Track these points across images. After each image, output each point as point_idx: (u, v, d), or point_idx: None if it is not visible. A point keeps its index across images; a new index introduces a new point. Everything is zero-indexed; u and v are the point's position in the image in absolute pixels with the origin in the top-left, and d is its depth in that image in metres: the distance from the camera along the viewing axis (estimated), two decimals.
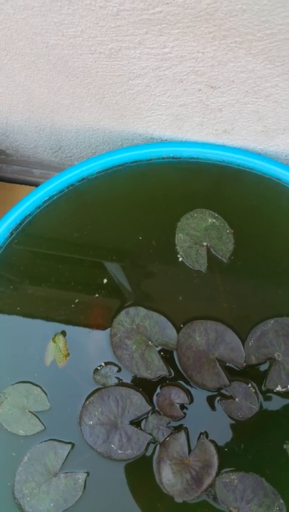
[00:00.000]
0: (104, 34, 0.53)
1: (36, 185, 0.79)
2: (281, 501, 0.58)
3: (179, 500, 0.59)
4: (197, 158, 0.71)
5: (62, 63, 0.59)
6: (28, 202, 0.69)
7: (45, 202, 0.70)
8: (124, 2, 0.47)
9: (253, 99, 0.59)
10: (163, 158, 0.71)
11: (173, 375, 0.63)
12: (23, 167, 0.91)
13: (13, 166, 0.91)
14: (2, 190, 0.92)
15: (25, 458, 0.61)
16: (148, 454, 0.61)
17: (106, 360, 0.64)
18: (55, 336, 0.65)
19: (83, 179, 0.71)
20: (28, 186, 0.93)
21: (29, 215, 0.69)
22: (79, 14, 0.50)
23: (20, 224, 0.69)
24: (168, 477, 0.60)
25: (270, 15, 0.45)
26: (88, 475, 0.60)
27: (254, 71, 0.54)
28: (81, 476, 0.61)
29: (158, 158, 0.71)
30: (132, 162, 0.71)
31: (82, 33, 0.53)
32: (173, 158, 0.71)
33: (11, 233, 0.68)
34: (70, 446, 0.61)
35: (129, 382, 0.63)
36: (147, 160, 0.71)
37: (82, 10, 0.49)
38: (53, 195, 0.70)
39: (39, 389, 0.64)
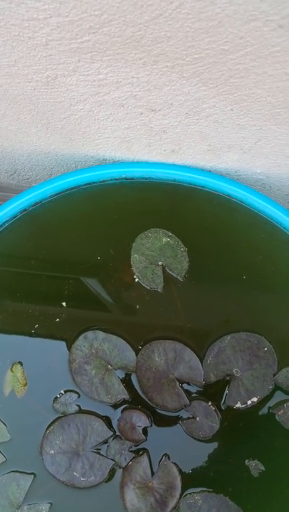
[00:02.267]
0: (38, 63, 0.53)
1: None
2: None
3: None
4: (149, 178, 0.71)
5: (1, 92, 0.59)
6: None
7: None
8: (51, 33, 0.47)
9: (194, 120, 0.59)
10: (116, 179, 0.71)
11: (133, 397, 0.63)
12: None
13: None
14: None
15: None
16: (111, 479, 0.60)
17: (65, 388, 0.64)
18: (13, 365, 0.65)
19: (36, 203, 0.70)
20: None
21: None
22: (9, 45, 0.50)
23: None
24: (132, 502, 0.59)
25: (194, 40, 0.45)
26: (52, 505, 0.60)
27: (190, 93, 0.54)
28: (45, 507, 0.60)
29: (111, 179, 0.71)
30: (86, 184, 0.71)
31: (16, 62, 0.53)
32: (126, 178, 0.71)
33: None
34: (32, 476, 0.60)
35: (89, 408, 0.63)
36: (101, 181, 0.71)
37: (12, 41, 0.49)
38: (6, 222, 0.69)
39: None
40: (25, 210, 0.70)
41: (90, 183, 0.71)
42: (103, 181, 0.71)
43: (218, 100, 0.54)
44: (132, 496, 0.60)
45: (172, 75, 0.51)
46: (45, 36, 0.48)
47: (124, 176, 0.71)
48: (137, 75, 0.52)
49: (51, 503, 0.60)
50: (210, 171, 0.70)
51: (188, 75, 0.51)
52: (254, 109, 0.55)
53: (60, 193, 0.71)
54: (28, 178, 0.84)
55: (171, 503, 0.59)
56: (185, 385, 0.63)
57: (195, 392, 0.63)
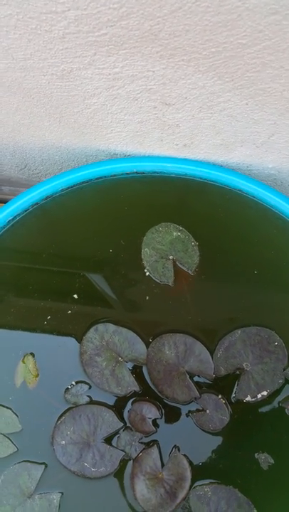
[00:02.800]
0: (54, 56, 0.53)
1: (6, 201, 0.79)
2: (255, 511, 0.59)
3: None
4: (160, 172, 0.71)
5: (16, 85, 0.59)
6: None
7: (9, 222, 0.70)
8: (69, 25, 0.47)
9: (208, 114, 0.59)
10: (127, 173, 0.72)
11: (144, 390, 0.63)
12: None
13: None
14: None
15: None
16: (122, 470, 0.61)
17: (76, 379, 0.64)
18: (25, 356, 0.65)
19: (48, 197, 0.71)
20: None
21: None
22: (26, 38, 0.50)
23: None
24: (142, 492, 0.60)
25: (212, 34, 0.46)
26: (63, 495, 0.60)
27: (205, 87, 0.54)
28: (56, 497, 0.60)
29: (122, 174, 0.72)
30: (97, 178, 0.72)
31: (32, 55, 0.53)
32: (137, 173, 0.72)
33: None
34: (43, 466, 0.61)
35: (100, 399, 0.63)
36: (112, 176, 0.72)
37: (28, 34, 0.49)
38: (18, 215, 0.70)
39: (10, 411, 0.63)
40: (36, 203, 0.71)
41: (100, 178, 0.72)
42: (114, 176, 0.72)
43: (233, 94, 0.54)
44: (142, 487, 0.60)
45: (188, 68, 0.51)
46: (62, 29, 0.48)
47: (135, 170, 0.71)
48: (152, 69, 0.52)
49: (62, 493, 0.60)
50: (221, 166, 0.71)
51: (204, 68, 0.51)
52: (269, 103, 0.55)
53: (72, 187, 0.71)
54: (38, 173, 0.84)
55: (181, 495, 0.60)
56: (195, 378, 0.64)
57: (205, 385, 0.63)
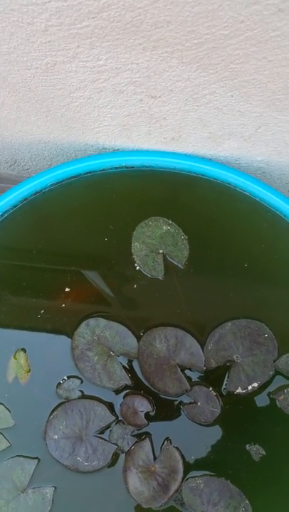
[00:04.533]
0: (37, 50, 0.52)
1: None
2: (246, 502, 0.59)
3: (146, 507, 0.59)
4: (149, 166, 0.71)
5: (1, 80, 0.58)
6: None
7: None
8: (50, 18, 0.47)
9: (194, 106, 0.59)
10: (116, 167, 0.71)
11: (135, 383, 0.64)
12: None
13: None
14: None
15: None
16: (114, 464, 0.61)
17: (68, 374, 0.64)
18: (16, 352, 0.65)
19: (37, 192, 0.71)
20: None
21: None
22: (8, 31, 0.50)
23: None
24: (135, 485, 0.60)
25: (194, 25, 0.45)
26: (56, 489, 0.61)
27: (190, 79, 0.54)
28: (49, 491, 0.61)
29: (111, 168, 0.71)
30: (86, 173, 0.71)
31: (16, 49, 0.53)
32: (126, 167, 0.71)
33: None
34: (36, 461, 0.61)
35: (92, 393, 0.64)
36: (101, 170, 0.71)
37: (10, 27, 0.49)
38: (7, 211, 0.70)
39: (2, 406, 0.64)
40: (25, 199, 0.70)
41: (90, 172, 0.71)
42: (103, 170, 0.71)
43: (218, 86, 0.54)
44: (134, 480, 0.61)
45: (172, 60, 0.51)
46: (44, 22, 0.48)
47: (124, 164, 0.71)
48: (136, 61, 0.52)
49: (55, 487, 0.61)
50: (210, 160, 0.70)
51: (188, 60, 0.51)
52: (254, 95, 0.55)
53: (61, 182, 0.71)
54: (27, 169, 0.84)
55: (174, 487, 0.60)
56: (186, 371, 0.64)
57: (196, 378, 0.64)
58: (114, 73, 0.55)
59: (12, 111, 0.65)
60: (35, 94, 0.61)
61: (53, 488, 0.61)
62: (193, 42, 0.48)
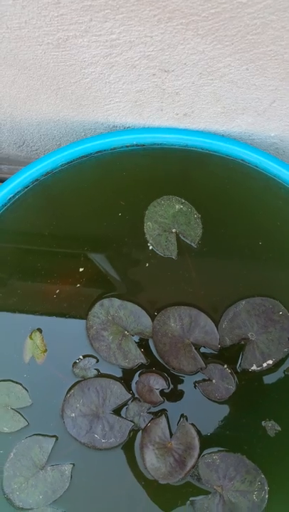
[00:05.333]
0: (49, 24, 0.51)
1: (5, 180, 0.78)
2: (262, 476, 0.60)
3: (163, 483, 0.60)
4: (161, 144, 0.70)
5: (11, 57, 0.57)
6: None
7: (10, 199, 0.69)
8: None
9: (208, 80, 0.58)
10: (127, 146, 0.71)
11: (150, 362, 0.64)
12: None
13: None
14: None
15: (12, 454, 0.62)
16: (131, 441, 0.62)
17: (84, 353, 0.65)
18: (32, 332, 0.66)
19: (48, 173, 0.70)
20: None
21: None
22: (19, 4, 0.49)
23: None
24: (152, 462, 0.61)
25: None
26: (74, 466, 0.62)
27: (204, 52, 0.53)
28: (67, 468, 0.62)
29: (122, 147, 0.71)
30: (96, 152, 0.71)
31: (27, 24, 0.52)
32: (137, 145, 0.70)
33: None
34: (54, 439, 0.62)
35: (108, 372, 0.64)
36: (111, 149, 0.71)
37: (22, 0, 0.48)
38: (18, 192, 0.69)
39: (20, 386, 0.64)
40: (36, 180, 0.70)
41: (100, 151, 0.71)
42: (114, 149, 0.71)
43: (233, 59, 0.53)
44: (151, 457, 0.61)
45: (187, 32, 0.50)
46: None
47: (135, 142, 0.70)
48: (150, 34, 0.51)
49: (73, 464, 0.62)
50: (223, 136, 0.70)
51: (203, 32, 0.49)
52: (270, 67, 0.54)
53: (71, 162, 0.70)
54: (36, 150, 0.83)
55: (190, 463, 0.61)
56: (201, 349, 0.64)
57: (211, 356, 0.64)
58: (127, 47, 0.53)
59: (22, 89, 0.64)
60: (46, 71, 0.60)
61: (71, 466, 0.62)
62: (210, 12, 0.47)
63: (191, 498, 0.60)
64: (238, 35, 0.50)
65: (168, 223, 0.68)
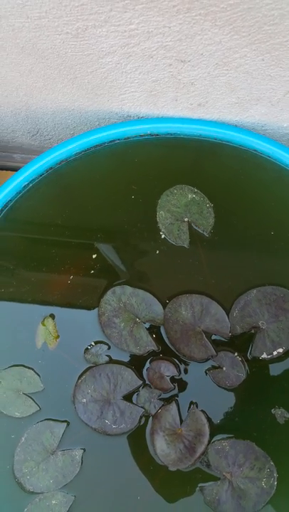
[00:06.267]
0: (69, 14, 0.52)
1: (18, 169, 0.79)
2: (271, 463, 0.61)
3: (173, 469, 0.61)
4: (174, 133, 0.71)
5: (30, 46, 0.58)
6: (8, 188, 0.69)
7: (25, 187, 0.70)
8: None
9: (223, 71, 0.59)
10: (141, 135, 0.71)
11: (161, 349, 0.65)
12: (2, 152, 0.91)
13: None
14: None
15: (23, 439, 0.63)
16: (141, 427, 0.63)
17: (96, 340, 0.66)
18: (44, 319, 0.67)
19: (62, 161, 0.71)
20: (9, 172, 0.93)
21: (10, 200, 0.70)
22: None
23: (1, 210, 0.69)
24: (162, 448, 0.62)
25: None
26: (85, 451, 0.63)
27: (221, 43, 0.53)
28: (78, 453, 0.63)
29: (136, 136, 0.71)
30: (110, 141, 0.72)
31: (47, 13, 0.52)
32: (150, 135, 0.71)
33: None
34: (65, 424, 0.63)
35: (119, 359, 0.65)
36: (125, 138, 0.71)
37: None
38: (33, 180, 0.70)
39: (32, 371, 0.65)
40: (51, 168, 0.71)
41: (114, 141, 0.72)
42: (127, 138, 0.71)
43: (249, 50, 0.54)
44: (161, 443, 0.62)
45: (205, 23, 0.51)
46: None
47: (148, 132, 0.71)
48: (169, 24, 0.52)
49: (84, 449, 0.62)
50: (236, 126, 0.70)
51: (221, 23, 0.50)
52: (286, 58, 0.55)
53: (85, 150, 0.71)
54: (49, 139, 0.84)
55: (200, 449, 0.62)
56: (212, 337, 0.65)
57: (221, 344, 0.65)
58: (145, 37, 0.54)
59: (39, 78, 0.65)
60: (64, 60, 0.61)
61: (82, 451, 0.62)
62: (229, 3, 0.47)
63: (200, 484, 0.61)
64: (256, 26, 0.50)
65: (180, 212, 0.69)
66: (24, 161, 0.91)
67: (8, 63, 0.63)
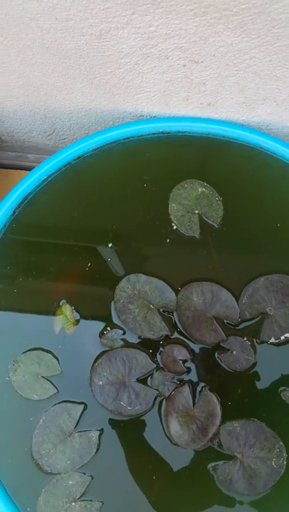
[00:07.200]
0: (95, 16, 0.57)
1: (31, 169, 0.82)
2: (281, 443, 0.63)
3: (187, 449, 0.63)
4: (185, 131, 0.76)
5: (55, 46, 0.63)
6: (28, 181, 0.72)
7: (44, 181, 0.74)
8: None
9: (233, 71, 0.64)
10: (153, 133, 0.76)
11: (174, 334, 0.67)
12: (18, 153, 0.95)
13: (8, 152, 0.94)
14: None
15: (41, 421, 0.65)
16: (156, 408, 0.65)
17: (111, 325, 0.68)
18: (62, 305, 0.69)
19: (79, 157, 0.75)
20: (23, 171, 0.97)
21: (29, 193, 0.73)
22: None
23: (21, 203, 0.73)
24: (176, 429, 0.64)
25: None
26: (101, 432, 0.64)
27: (232, 44, 0.58)
28: (94, 434, 0.64)
29: (148, 134, 0.76)
30: (125, 138, 0.76)
31: (74, 16, 0.57)
32: (162, 133, 0.76)
33: (14, 212, 0.72)
34: (82, 406, 0.65)
35: (134, 343, 0.67)
36: (138, 136, 0.76)
37: None
38: (52, 174, 0.74)
39: (50, 355, 0.67)
40: (68, 163, 0.75)
41: (128, 138, 0.76)
42: (141, 136, 0.76)
43: (258, 51, 0.59)
44: (175, 424, 0.64)
45: (218, 26, 0.56)
46: None
47: (161, 130, 0.75)
48: (185, 27, 0.57)
49: (100, 431, 0.64)
50: (243, 125, 0.75)
51: (233, 26, 0.55)
52: None
53: (101, 147, 0.75)
54: (64, 139, 0.88)
55: (212, 430, 0.64)
56: (222, 323, 0.68)
57: (231, 329, 0.68)
58: (162, 39, 0.59)
59: (60, 78, 0.70)
60: (85, 60, 0.65)
61: (98, 432, 0.64)
62: (241, 7, 0.53)
63: (213, 464, 0.62)
64: (265, 29, 0.56)
65: (191, 205, 0.73)
66: (38, 161, 0.94)
67: (33, 63, 0.67)
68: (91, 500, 0.62)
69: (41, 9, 0.56)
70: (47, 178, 0.74)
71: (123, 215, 0.73)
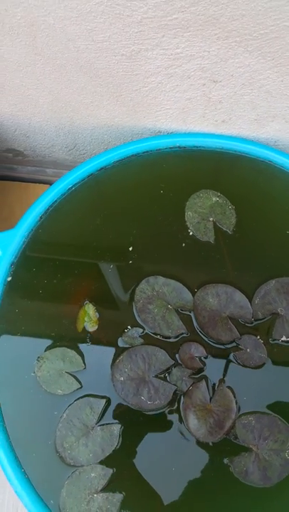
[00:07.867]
0: (128, 38, 0.63)
1: (49, 183, 0.87)
2: None
3: (205, 441, 0.66)
4: (200, 146, 0.82)
5: (88, 65, 0.69)
6: (55, 190, 0.77)
7: (69, 189, 0.79)
8: (147, 11, 0.58)
9: (248, 90, 0.70)
10: (170, 147, 0.82)
11: (191, 332, 0.71)
12: (37, 167, 0.99)
13: (28, 166, 0.99)
14: (18, 189, 1.00)
15: (64, 415, 0.66)
16: (174, 403, 0.68)
17: (132, 324, 0.71)
18: (85, 305, 0.73)
19: (101, 168, 0.80)
20: (41, 185, 1.02)
21: (55, 201, 0.78)
22: (109, 22, 0.60)
23: (47, 210, 0.77)
24: (193, 422, 0.67)
25: (263, 18, 0.57)
26: (122, 426, 0.66)
27: (250, 65, 0.65)
28: (116, 428, 0.66)
29: (166, 148, 0.82)
30: (144, 152, 0.81)
31: (110, 38, 0.63)
32: (179, 147, 0.82)
33: (40, 218, 0.77)
34: (104, 400, 0.67)
35: (153, 341, 0.71)
36: (157, 150, 0.82)
37: (112, 18, 0.60)
38: (76, 183, 0.79)
39: (74, 351, 0.70)
40: (92, 174, 0.80)
41: (147, 151, 0.81)
42: (158, 149, 0.82)
43: (272, 72, 0.66)
44: (193, 418, 0.67)
45: (238, 48, 0.63)
46: (141, 14, 0.58)
47: (177, 144, 0.81)
48: (208, 49, 0.63)
49: (122, 425, 0.67)
50: (252, 141, 0.82)
51: (251, 49, 0.62)
52: None
53: (122, 159, 0.81)
54: (84, 153, 0.94)
55: (228, 424, 0.67)
56: (236, 322, 0.72)
57: (245, 328, 0.72)
58: (186, 60, 0.66)
59: (88, 95, 0.75)
60: (114, 79, 0.71)
61: (120, 426, 0.66)
62: (260, 32, 0.59)
63: (229, 456, 0.65)
64: (279, 52, 0.62)
65: (206, 213, 0.78)
66: (56, 175, 0.99)
67: (65, 80, 0.73)
68: (113, 492, 0.64)
69: (80, 31, 0.62)
70: (71, 187, 0.79)
71: (142, 221, 0.78)
